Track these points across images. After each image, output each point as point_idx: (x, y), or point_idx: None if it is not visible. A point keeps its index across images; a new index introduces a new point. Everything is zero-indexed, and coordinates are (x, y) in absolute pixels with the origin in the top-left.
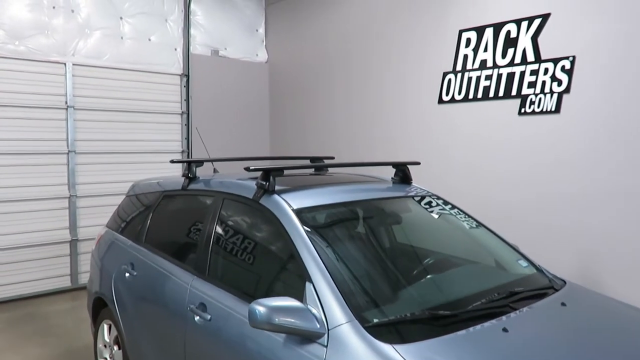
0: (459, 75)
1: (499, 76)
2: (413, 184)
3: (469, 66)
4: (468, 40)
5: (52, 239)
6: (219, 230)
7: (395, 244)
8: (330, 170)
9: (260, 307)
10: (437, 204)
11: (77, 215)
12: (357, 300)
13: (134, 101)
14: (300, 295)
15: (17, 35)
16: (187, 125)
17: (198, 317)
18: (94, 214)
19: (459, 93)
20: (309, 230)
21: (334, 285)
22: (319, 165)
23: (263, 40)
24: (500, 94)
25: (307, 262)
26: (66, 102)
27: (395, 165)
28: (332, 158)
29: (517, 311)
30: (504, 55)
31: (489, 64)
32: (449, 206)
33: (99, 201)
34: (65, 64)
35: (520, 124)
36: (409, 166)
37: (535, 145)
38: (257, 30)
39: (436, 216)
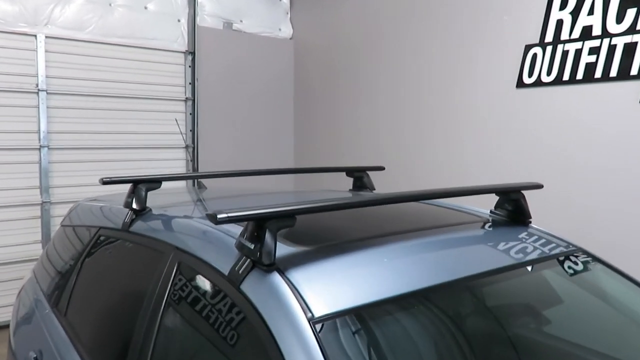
0: (549, 48)
1: (612, 49)
2: (531, 224)
3: (564, 36)
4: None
5: (20, 255)
6: (170, 321)
7: None
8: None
9: None
10: (604, 274)
11: (52, 227)
12: None
13: (125, 84)
14: None
15: None
16: (193, 114)
17: None
18: None
19: (549, 73)
20: None
21: None
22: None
23: (287, 11)
24: (613, 73)
25: None
26: (37, 85)
27: (350, 171)
28: (382, 169)
29: None
30: (619, 19)
31: (596, 31)
32: (619, 276)
33: None
34: (35, 36)
35: None
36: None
37: None
38: None
39: (616, 310)
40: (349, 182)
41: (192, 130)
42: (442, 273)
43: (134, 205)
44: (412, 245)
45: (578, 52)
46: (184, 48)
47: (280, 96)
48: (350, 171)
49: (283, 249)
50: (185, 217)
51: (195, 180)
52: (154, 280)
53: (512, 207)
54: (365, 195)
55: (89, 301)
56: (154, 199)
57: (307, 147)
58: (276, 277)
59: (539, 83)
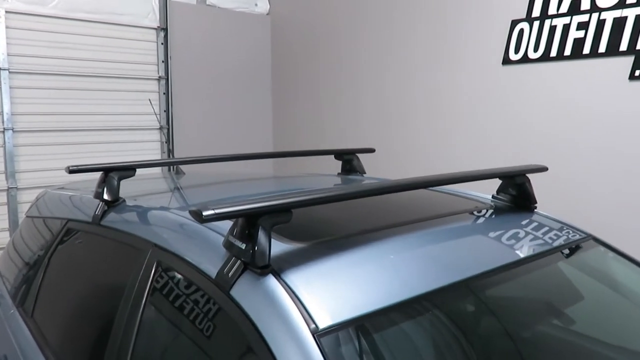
0: (537, 23)
1: (601, 23)
2: (537, 210)
3: (551, 10)
4: None
5: None
6: (149, 330)
7: None
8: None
9: None
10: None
11: (19, 213)
12: None
13: (94, 63)
14: None
15: None
16: (167, 94)
17: None
18: None
19: (536, 49)
20: None
21: None
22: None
23: None
24: (602, 49)
25: None
26: None
27: (339, 154)
28: (372, 151)
29: None
30: None
31: (585, 5)
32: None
33: None
34: None
35: (633, 93)
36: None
37: None
38: None
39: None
40: (332, 165)
41: (167, 111)
42: (457, 269)
43: (106, 196)
44: (418, 238)
45: (566, 27)
46: (156, 24)
47: (257, 74)
48: (339, 154)
49: (277, 247)
50: (164, 208)
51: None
52: (129, 281)
53: (517, 192)
54: (368, 183)
55: (57, 302)
56: (127, 187)
57: (286, 127)
58: (272, 281)
59: (525, 60)
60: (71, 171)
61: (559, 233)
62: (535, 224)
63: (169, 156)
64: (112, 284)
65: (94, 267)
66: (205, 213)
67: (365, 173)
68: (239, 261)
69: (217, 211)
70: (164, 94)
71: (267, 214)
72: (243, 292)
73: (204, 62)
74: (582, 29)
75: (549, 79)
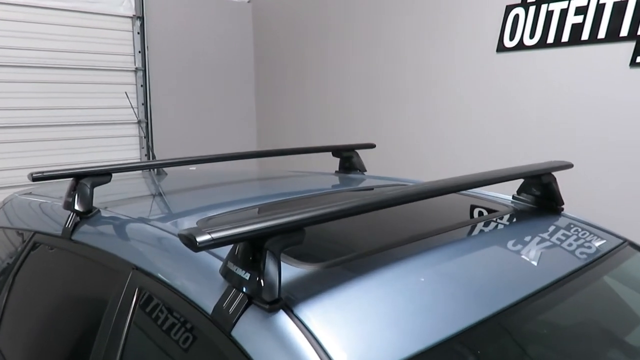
0: (532, 9)
1: (600, 8)
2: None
3: None
4: None
5: None
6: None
7: None
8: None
9: None
10: None
11: None
12: None
13: (65, 54)
14: None
15: None
16: (145, 86)
17: None
18: None
19: (532, 36)
20: None
21: None
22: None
23: None
24: (601, 35)
25: None
26: None
27: (338, 151)
28: (372, 146)
29: None
30: None
31: None
32: None
33: None
34: None
35: (634, 79)
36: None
37: None
38: None
39: None
40: (321, 162)
41: (145, 104)
42: (502, 292)
43: (77, 206)
44: (450, 254)
45: (564, 12)
46: (131, 12)
47: (239, 65)
48: (337, 150)
49: (285, 272)
50: (145, 221)
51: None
52: (106, 311)
53: (541, 192)
54: (391, 187)
55: (22, 327)
56: (102, 191)
57: (271, 120)
58: (284, 320)
59: (521, 46)
60: (34, 179)
61: (596, 239)
62: (571, 229)
63: (148, 152)
64: (85, 314)
65: (63, 291)
66: (200, 239)
67: (366, 171)
68: (241, 294)
69: (214, 236)
70: (141, 86)
71: (276, 235)
72: (248, 333)
73: (183, 52)
74: (581, 14)
75: (546, 66)
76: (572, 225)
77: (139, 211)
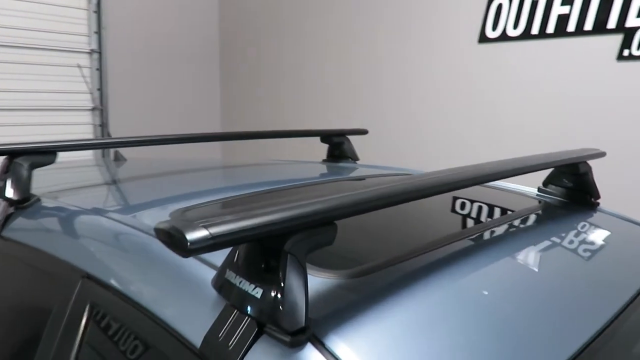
0: None
1: None
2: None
3: None
4: None
5: None
6: None
7: None
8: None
9: None
10: None
11: None
12: None
13: (12, 31)
14: None
15: None
16: (100, 70)
17: None
18: None
19: (516, 26)
20: None
21: None
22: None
23: None
24: (588, 26)
25: None
26: None
27: (327, 136)
28: (365, 132)
29: None
30: None
31: None
32: None
33: None
34: None
35: (621, 74)
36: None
37: None
38: None
39: None
40: (293, 151)
41: (100, 89)
42: (593, 312)
43: (9, 193)
44: (505, 258)
45: (549, 2)
46: None
47: (202, 47)
48: (327, 135)
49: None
50: (101, 213)
51: (108, 150)
52: (44, 334)
53: (573, 184)
54: (401, 177)
55: None
56: (45, 180)
57: (237, 107)
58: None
59: (504, 37)
60: None
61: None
62: (618, 229)
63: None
64: (16, 338)
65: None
66: (192, 237)
67: (358, 159)
68: (247, 318)
69: (213, 231)
70: (97, 69)
71: (301, 232)
72: None
73: (142, 33)
74: (567, 4)
75: (530, 58)
76: (617, 223)
77: (93, 201)
